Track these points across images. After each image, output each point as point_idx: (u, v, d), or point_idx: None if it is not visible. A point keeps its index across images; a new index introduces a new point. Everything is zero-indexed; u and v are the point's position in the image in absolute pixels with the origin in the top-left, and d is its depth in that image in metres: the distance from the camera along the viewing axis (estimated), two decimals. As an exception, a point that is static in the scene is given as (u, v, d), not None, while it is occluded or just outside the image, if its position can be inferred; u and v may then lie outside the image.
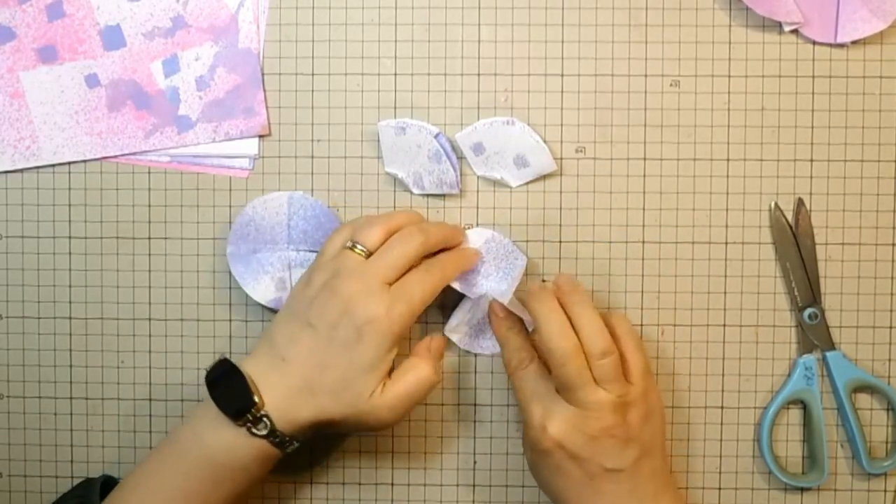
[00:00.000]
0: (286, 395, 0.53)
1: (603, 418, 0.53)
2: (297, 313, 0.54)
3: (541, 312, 0.55)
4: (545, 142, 0.59)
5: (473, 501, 0.62)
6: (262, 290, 0.60)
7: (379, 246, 0.55)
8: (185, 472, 0.53)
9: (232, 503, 0.54)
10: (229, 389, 0.53)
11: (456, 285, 0.58)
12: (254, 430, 0.52)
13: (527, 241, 0.60)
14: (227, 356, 0.55)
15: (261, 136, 0.61)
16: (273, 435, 0.52)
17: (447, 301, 0.60)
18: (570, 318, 0.55)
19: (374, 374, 0.53)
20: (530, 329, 0.58)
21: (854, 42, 0.59)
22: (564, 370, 0.53)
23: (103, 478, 0.59)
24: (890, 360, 0.60)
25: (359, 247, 0.55)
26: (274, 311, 0.61)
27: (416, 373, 0.55)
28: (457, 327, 0.60)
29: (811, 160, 0.60)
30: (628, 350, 0.56)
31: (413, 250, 0.55)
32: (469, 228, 0.60)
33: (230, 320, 0.62)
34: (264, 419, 0.52)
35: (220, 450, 0.53)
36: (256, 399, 0.52)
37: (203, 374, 0.62)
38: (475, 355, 0.61)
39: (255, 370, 0.53)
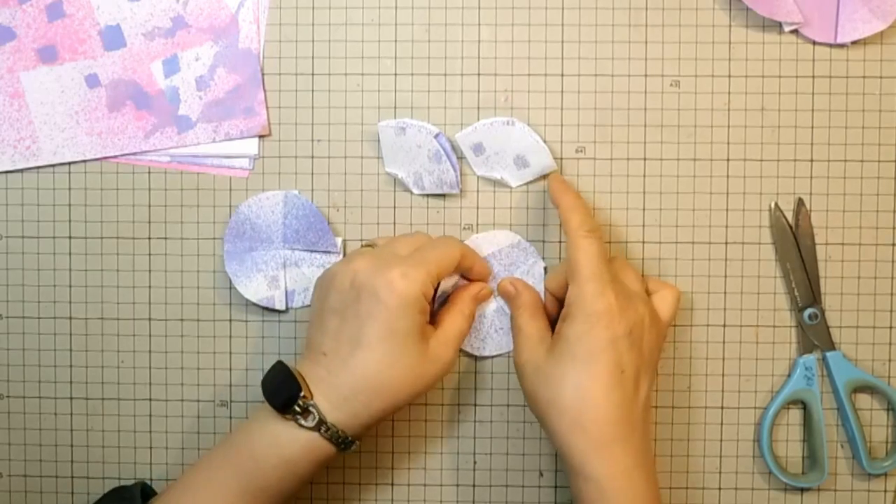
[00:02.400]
0: (337, 391, 0.52)
1: (644, 304, 0.55)
2: (321, 308, 0.55)
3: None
4: (545, 142, 0.59)
5: (473, 501, 0.62)
6: (255, 288, 0.60)
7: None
8: (233, 469, 0.53)
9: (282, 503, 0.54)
10: (277, 382, 0.53)
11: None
12: (302, 423, 0.52)
13: (527, 241, 0.60)
14: (281, 359, 0.55)
15: (261, 136, 0.61)
16: (323, 427, 0.52)
17: (447, 301, 0.60)
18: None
19: (417, 339, 0.53)
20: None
21: (854, 42, 0.59)
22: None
23: (141, 483, 0.59)
24: (890, 360, 0.60)
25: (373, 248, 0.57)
26: (266, 309, 0.61)
27: (460, 322, 0.56)
28: None
29: (811, 160, 0.60)
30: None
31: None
32: (481, 232, 0.61)
33: (230, 320, 0.62)
34: (312, 410, 0.52)
35: (267, 444, 0.52)
36: (303, 389, 0.52)
37: (203, 373, 0.62)
38: (475, 356, 0.61)
39: (303, 368, 0.54)
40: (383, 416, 0.53)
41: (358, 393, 0.52)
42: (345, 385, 0.52)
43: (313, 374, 0.53)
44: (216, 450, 0.55)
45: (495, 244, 0.60)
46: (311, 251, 0.60)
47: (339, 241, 0.60)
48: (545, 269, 0.60)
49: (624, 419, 0.53)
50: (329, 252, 0.60)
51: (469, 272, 0.58)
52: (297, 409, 0.52)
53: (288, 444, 0.52)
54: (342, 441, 0.53)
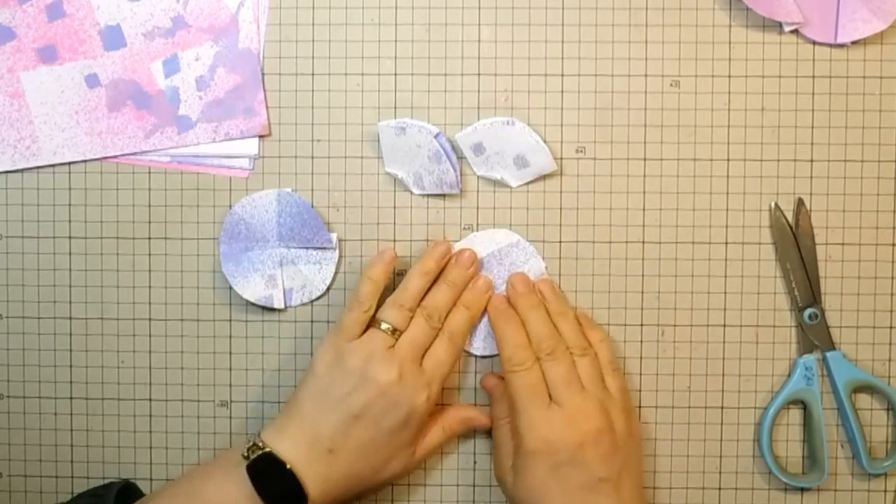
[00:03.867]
0: (333, 485, 0.54)
1: (590, 420, 0.55)
2: (338, 402, 0.55)
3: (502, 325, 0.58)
4: (545, 142, 0.59)
5: (473, 501, 0.62)
6: (252, 288, 0.60)
7: (404, 322, 0.57)
8: None
9: None
10: (276, 482, 0.53)
11: None
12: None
13: (527, 241, 0.60)
14: (259, 440, 0.55)
15: (261, 136, 0.61)
16: None
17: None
18: (531, 321, 0.58)
19: (411, 446, 0.57)
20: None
21: (854, 42, 0.59)
22: (549, 370, 0.56)
23: (123, 483, 0.59)
24: (890, 360, 0.60)
25: (384, 325, 0.56)
26: (265, 309, 0.61)
27: (440, 436, 0.59)
28: None
29: (811, 160, 0.60)
30: (598, 349, 0.58)
31: (437, 322, 0.57)
32: (480, 231, 0.61)
33: (230, 320, 0.62)
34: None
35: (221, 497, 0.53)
36: (307, 492, 0.53)
37: (203, 373, 0.62)
38: (475, 356, 0.61)
39: (297, 458, 0.54)
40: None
41: (345, 487, 0.55)
42: (340, 481, 0.55)
43: (313, 470, 0.54)
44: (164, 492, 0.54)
45: (494, 243, 0.60)
46: (307, 248, 0.60)
47: (334, 236, 0.60)
48: (545, 268, 0.60)
49: None
50: (325, 248, 0.60)
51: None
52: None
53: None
54: None
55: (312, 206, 0.60)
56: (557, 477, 0.54)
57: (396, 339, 0.56)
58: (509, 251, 0.60)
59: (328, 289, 0.61)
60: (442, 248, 0.59)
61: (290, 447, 0.54)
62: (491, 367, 0.61)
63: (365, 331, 0.57)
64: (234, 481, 0.53)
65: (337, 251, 0.61)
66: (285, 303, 0.61)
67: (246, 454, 0.54)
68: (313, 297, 0.61)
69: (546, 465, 0.54)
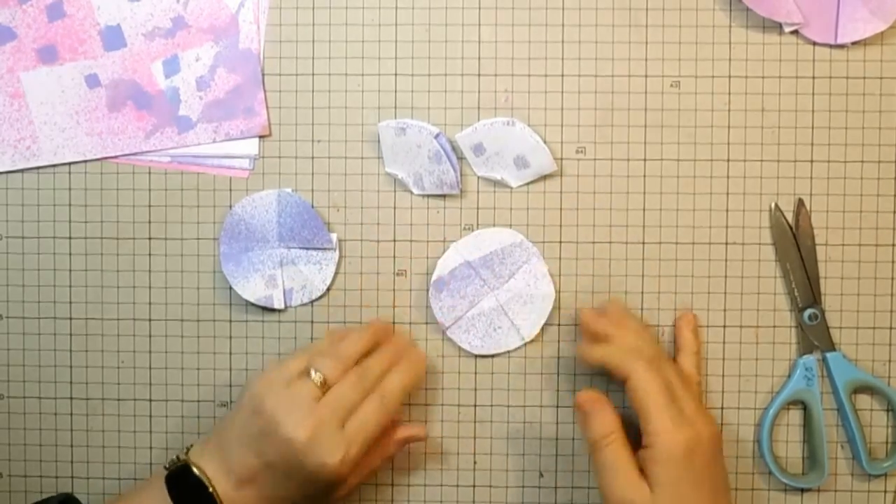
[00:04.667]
0: None
1: (710, 421, 0.54)
2: (251, 440, 0.53)
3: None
4: (545, 142, 0.59)
5: (473, 501, 0.62)
6: (252, 288, 0.60)
7: (337, 376, 0.54)
8: None
9: None
10: (191, 496, 0.53)
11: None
12: None
13: (530, 242, 0.60)
14: (184, 454, 0.55)
15: (261, 136, 0.61)
16: None
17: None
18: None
19: (330, 496, 0.55)
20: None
21: (854, 43, 0.59)
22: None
23: (62, 497, 0.58)
24: (890, 360, 0.60)
25: (316, 374, 0.54)
26: (265, 309, 0.61)
27: (375, 461, 0.57)
28: (450, 310, 0.60)
29: (811, 161, 0.60)
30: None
31: (370, 384, 0.55)
32: (486, 228, 0.61)
33: (230, 320, 0.62)
34: None
35: None
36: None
37: (203, 373, 0.62)
38: (475, 356, 0.61)
39: (215, 479, 0.53)
40: None
41: None
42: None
43: (226, 494, 0.53)
44: None
45: (497, 242, 0.60)
46: (308, 248, 0.60)
47: (334, 237, 0.60)
48: (547, 270, 0.60)
49: None
50: (325, 248, 0.60)
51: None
52: None
53: None
54: None
55: (313, 207, 0.60)
56: (701, 479, 0.53)
57: (324, 392, 0.54)
58: (512, 251, 0.60)
59: (328, 289, 0.61)
60: (387, 327, 0.59)
61: (206, 460, 0.54)
62: (491, 367, 0.61)
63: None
64: (153, 494, 0.54)
65: (337, 252, 0.61)
66: (285, 303, 0.61)
67: (167, 465, 0.55)
68: (313, 298, 0.61)
69: (692, 468, 0.52)
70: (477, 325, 0.60)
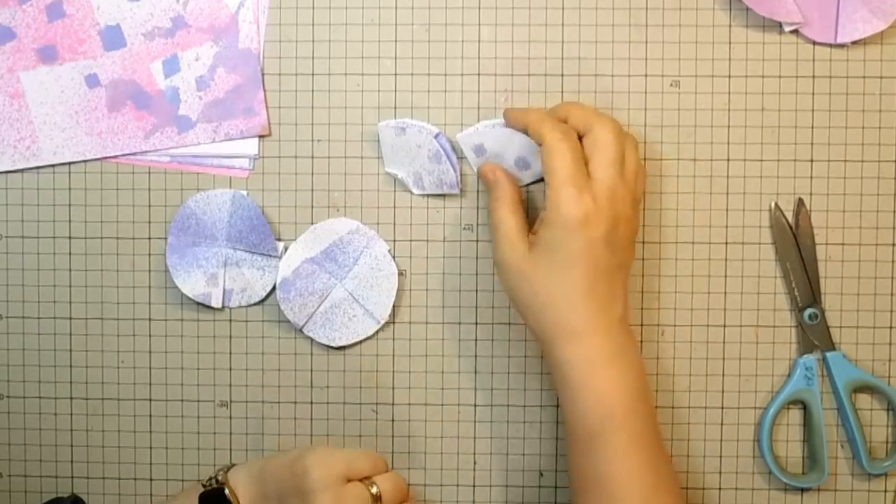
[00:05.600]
0: None
1: (626, 203, 0.54)
2: (285, 495, 0.55)
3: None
4: (545, 142, 0.59)
5: (473, 501, 0.62)
6: (192, 283, 0.60)
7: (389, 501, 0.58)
8: None
9: None
10: None
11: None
12: None
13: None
14: (223, 475, 0.57)
15: (261, 136, 0.61)
16: None
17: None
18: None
19: None
20: None
21: (854, 42, 0.59)
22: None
23: (71, 498, 0.59)
24: (890, 360, 0.60)
25: (376, 489, 0.57)
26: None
27: None
28: (301, 308, 0.60)
29: (811, 160, 0.60)
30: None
31: None
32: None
33: (230, 321, 0.62)
34: None
35: None
36: None
37: (203, 373, 0.62)
38: (475, 356, 0.61)
39: None
40: None
41: None
42: None
43: None
44: None
45: (335, 232, 0.60)
46: (252, 253, 0.60)
47: (280, 246, 0.60)
48: (388, 249, 0.61)
49: (600, 317, 0.54)
50: (269, 255, 0.60)
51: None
52: None
53: None
54: None
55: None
56: (589, 253, 0.53)
57: None
58: (351, 238, 0.60)
59: (267, 295, 0.61)
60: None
61: (243, 492, 0.56)
62: (491, 368, 0.61)
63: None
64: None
65: (281, 259, 0.61)
66: (223, 303, 0.61)
67: (205, 483, 0.56)
68: (252, 302, 0.61)
69: (584, 238, 0.53)
70: (332, 318, 0.60)
